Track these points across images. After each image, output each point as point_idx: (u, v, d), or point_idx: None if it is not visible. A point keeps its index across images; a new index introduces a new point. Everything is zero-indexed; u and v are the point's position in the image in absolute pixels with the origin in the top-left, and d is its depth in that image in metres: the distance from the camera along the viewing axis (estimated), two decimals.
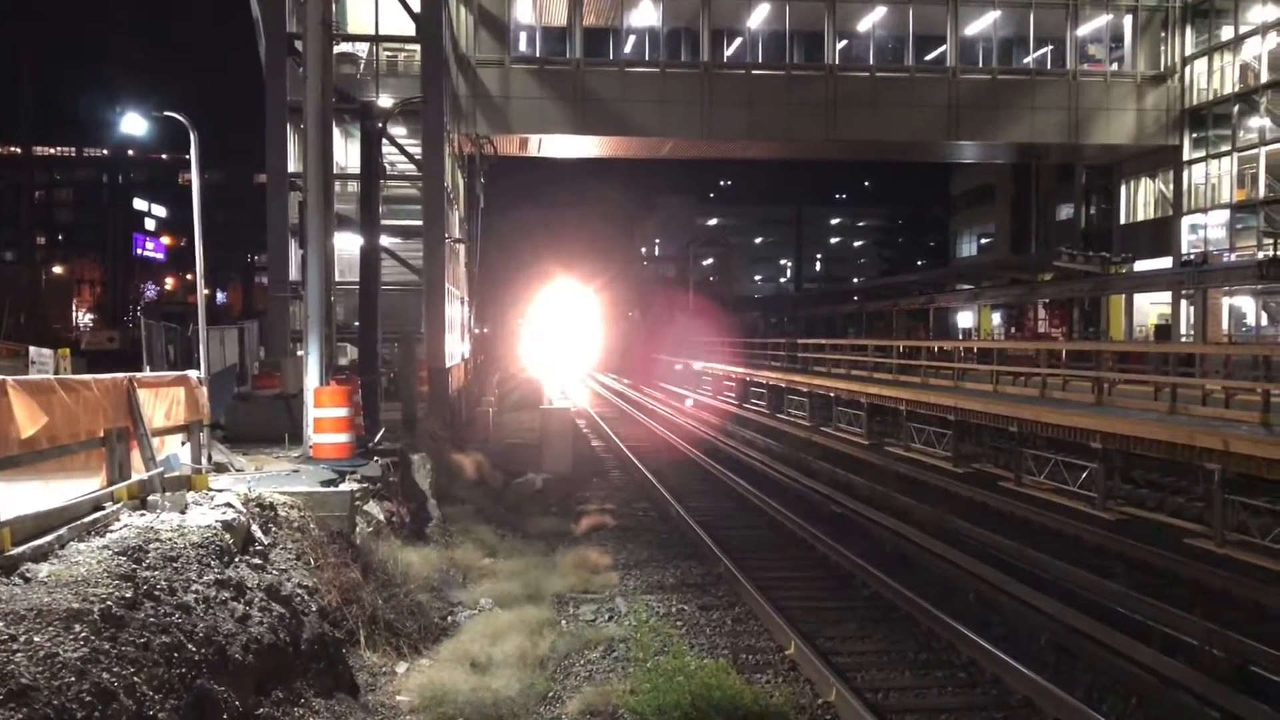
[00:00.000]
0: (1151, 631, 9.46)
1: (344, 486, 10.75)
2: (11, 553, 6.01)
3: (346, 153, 25.53)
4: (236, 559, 7.50)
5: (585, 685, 8.40)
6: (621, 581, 12.10)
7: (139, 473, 8.52)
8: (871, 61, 35.72)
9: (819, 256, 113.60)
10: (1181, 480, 15.48)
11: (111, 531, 7.09)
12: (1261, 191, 35.64)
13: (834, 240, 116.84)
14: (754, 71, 35.15)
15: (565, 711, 7.81)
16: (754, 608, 10.74)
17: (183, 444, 10.47)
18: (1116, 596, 10.63)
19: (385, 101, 23.87)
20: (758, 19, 35.37)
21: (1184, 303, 35.81)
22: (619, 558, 13.30)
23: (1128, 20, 36.70)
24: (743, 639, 9.85)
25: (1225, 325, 35.56)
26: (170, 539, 7.00)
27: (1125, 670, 8.54)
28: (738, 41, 36.33)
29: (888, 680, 8.68)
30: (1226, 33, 36.48)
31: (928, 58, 36.19)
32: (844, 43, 35.72)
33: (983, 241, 64.07)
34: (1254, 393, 15.03)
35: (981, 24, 36.01)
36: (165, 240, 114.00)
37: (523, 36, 34.26)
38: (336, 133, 19.19)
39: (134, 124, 24.11)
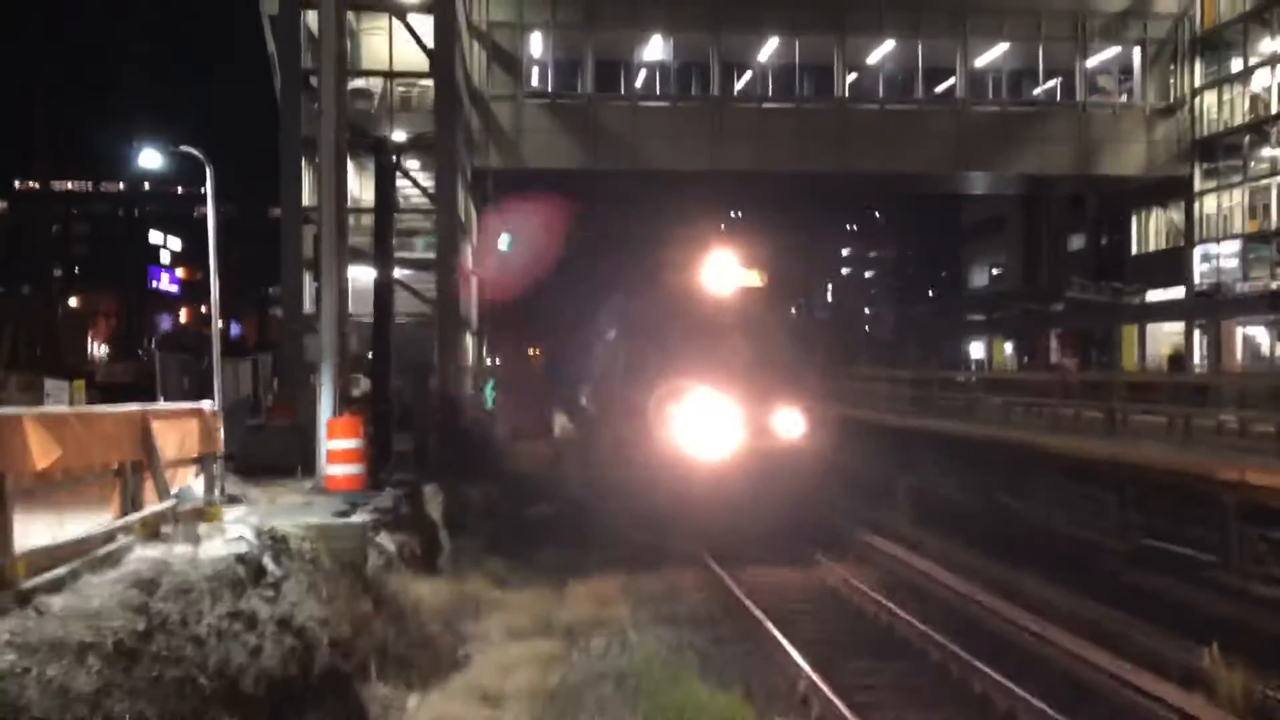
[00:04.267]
0: None
1: (356, 518, 10.77)
2: (25, 585, 6.04)
3: (360, 186, 25.72)
4: (249, 591, 7.52)
5: (596, 718, 8.37)
6: (633, 614, 12.05)
7: (153, 504, 8.57)
8: (881, 94, 35.88)
9: (828, 285, 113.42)
10: None
11: (125, 564, 7.12)
12: (1274, 222, 35.61)
13: (845, 271, 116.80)
14: (764, 105, 35.35)
15: None
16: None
17: (196, 475, 10.52)
18: None
19: (399, 136, 24.12)
20: (767, 52, 35.62)
21: (1197, 332, 35.69)
22: (631, 590, 13.25)
23: (1136, 53, 36.80)
24: (755, 674, 9.80)
25: (1239, 355, 35.41)
26: (183, 571, 7.02)
27: None
28: (748, 75, 36.57)
29: None
30: (1236, 64, 36.57)
31: (937, 90, 36.34)
32: (853, 75, 35.92)
33: (994, 272, 63.95)
34: None
35: (990, 56, 36.17)
36: (180, 273, 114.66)
37: (535, 71, 34.56)
38: (351, 167, 19.35)
39: (150, 159, 24.33)
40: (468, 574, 13.22)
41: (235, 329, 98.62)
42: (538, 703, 8.59)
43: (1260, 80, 35.93)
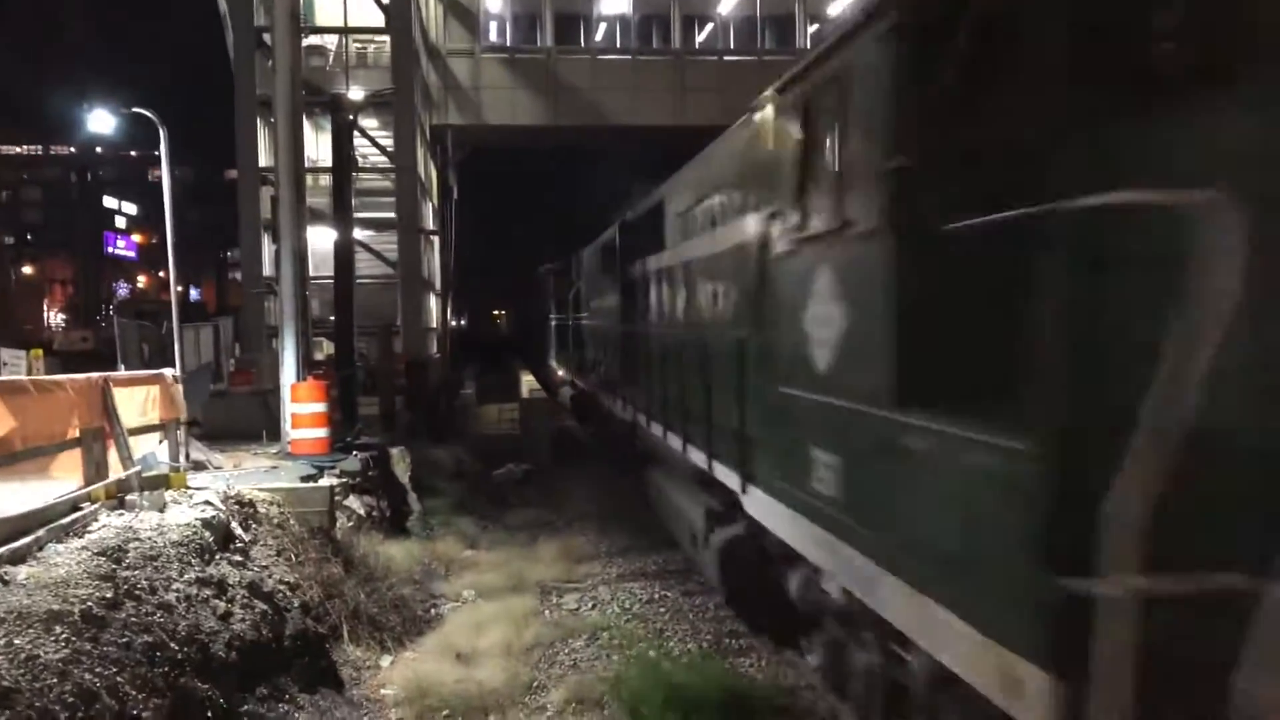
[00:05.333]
0: None
1: (323, 482, 10.73)
2: None
3: (318, 146, 25.38)
4: (217, 556, 7.48)
5: (570, 674, 8.43)
6: (604, 569, 12.13)
7: (116, 472, 8.49)
8: None
9: None
10: None
11: (90, 532, 7.05)
12: None
13: None
14: (726, 58, 35.12)
15: (550, 700, 7.83)
16: None
17: (160, 442, 10.43)
18: None
19: (356, 94, 23.76)
20: (729, 5, 35.34)
21: None
22: (601, 546, 13.33)
23: None
24: (725, 624, 9.90)
25: None
26: (150, 538, 6.97)
27: None
28: (709, 28, 36.28)
29: None
30: None
31: None
32: (815, 27, 35.73)
33: None
34: None
35: None
36: (137, 238, 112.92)
37: (493, 26, 34.08)
38: (307, 126, 19.07)
39: (101, 121, 23.81)
40: (438, 535, 13.24)
41: (195, 293, 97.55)
42: (511, 659, 8.64)
43: None
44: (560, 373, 30.73)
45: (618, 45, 34.84)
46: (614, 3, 34.90)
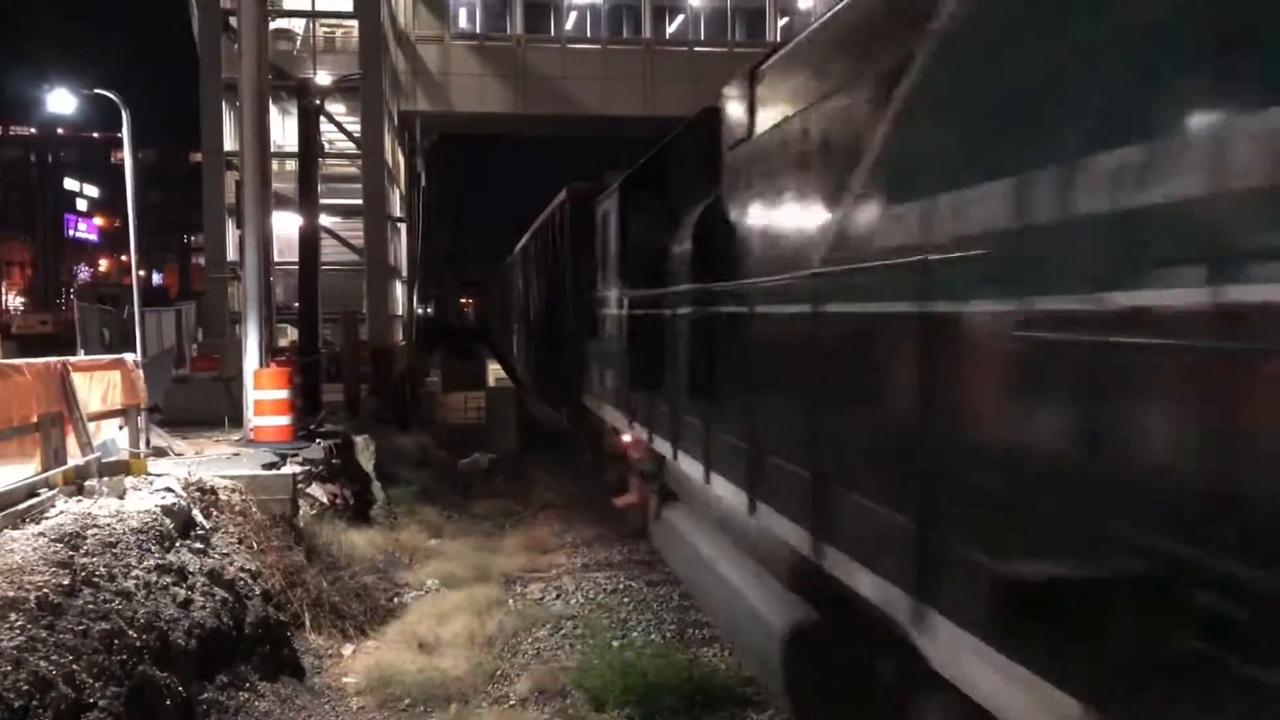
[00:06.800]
0: None
1: (286, 469, 10.65)
2: None
3: (284, 130, 25.11)
4: (177, 544, 7.41)
5: (534, 663, 8.44)
6: (569, 559, 12.14)
7: (75, 458, 8.38)
8: None
9: None
10: None
11: (47, 518, 6.96)
12: None
13: None
14: (697, 49, 35.10)
15: (514, 690, 7.83)
16: None
17: (120, 428, 10.30)
18: None
19: (323, 78, 23.52)
20: None
21: None
22: (566, 536, 13.33)
23: None
24: (689, 614, 9.93)
25: None
26: (109, 524, 6.89)
27: None
28: (680, 18, 36.24)
29: None
30: None
31: None
32: (785, 20, 35.79)
33: None
34: None
35: None
36: (98, 221, 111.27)
37: (462, 12, 33.86)
38: (274, 110, 18.86)
39: (62, 102, 23.42)
40: (402, 524, 13.19)
41: (157, 278, 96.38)
42: (474, 649, 8.63)
43: None
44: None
45: (588, 34, 34.73)
46: None
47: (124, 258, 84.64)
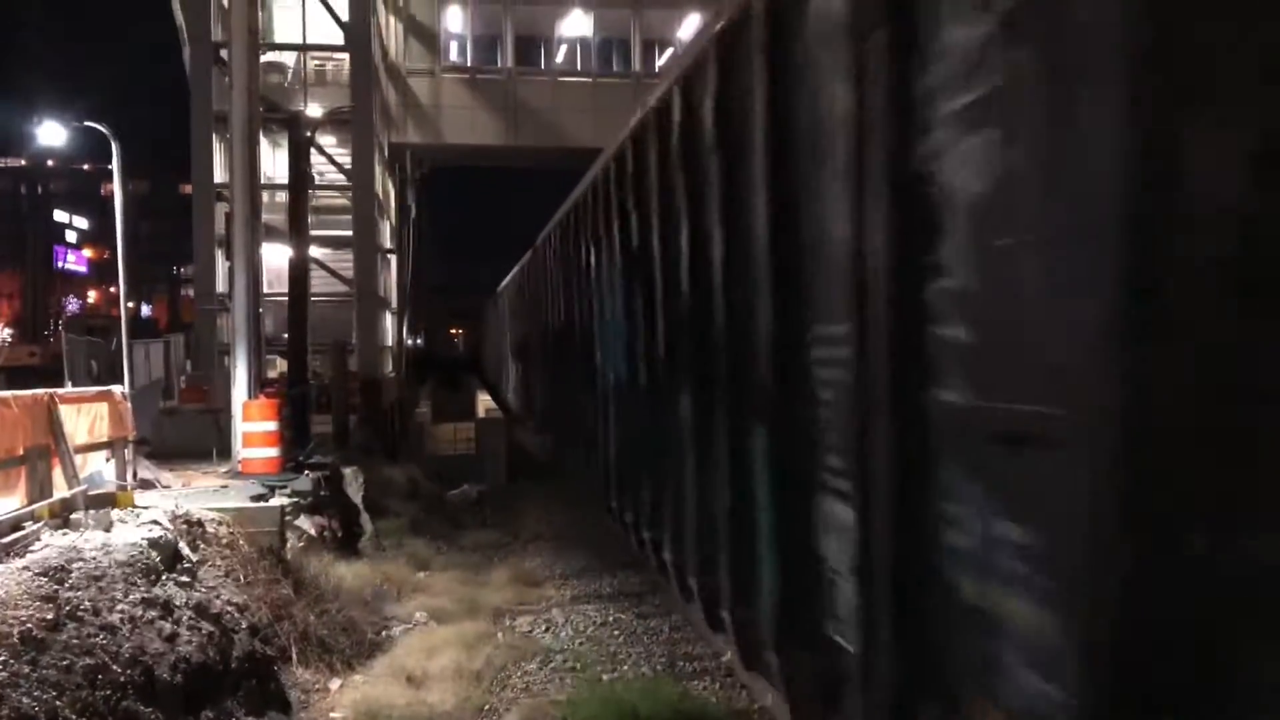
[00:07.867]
0: None
1: (274, 501, 10.61)
2: None
3: (275, 163, 25.19)
4: (164, 577, 7.35)
5: (523, 697, 8.37)
6: (559, 592, 12.07)
7: (61, 491, 8.33)
8: None
9: None
10: None
11: (32, 551, 6.91)
12: None
13: None
14: None
15: None
16: None
17: (107, 460, 10.25)
18: None
19: (314, 111, 23.65)
20: (689, 29, 35.60)
21: None
22: (556, 568, 13.26)
23: None
24: (679, 646, 9.87)
25: None
26: (94, 558, 6.84)
27: None
28: (670, 51, 36.53)
29: None
30: None
31: None
32: None
33: None
34: None
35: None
36: (88, 253, 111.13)
37: (454, 45, 34.11)
38: (264, 143, 18.92)
39: (52, 134, 23.51)
40: (390, 556, 13.10)
41: (146, 310, 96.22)
42: (463, 682, 8.55)
43: None
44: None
45: (578, 67, 35.00)
46: (575, 25, 35.08)
47: (113, 289, 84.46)
